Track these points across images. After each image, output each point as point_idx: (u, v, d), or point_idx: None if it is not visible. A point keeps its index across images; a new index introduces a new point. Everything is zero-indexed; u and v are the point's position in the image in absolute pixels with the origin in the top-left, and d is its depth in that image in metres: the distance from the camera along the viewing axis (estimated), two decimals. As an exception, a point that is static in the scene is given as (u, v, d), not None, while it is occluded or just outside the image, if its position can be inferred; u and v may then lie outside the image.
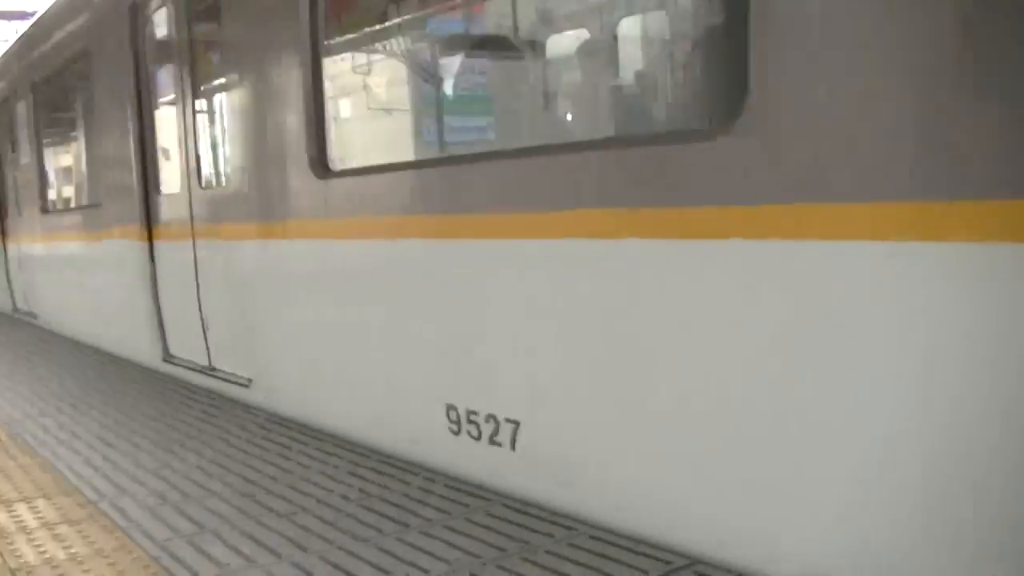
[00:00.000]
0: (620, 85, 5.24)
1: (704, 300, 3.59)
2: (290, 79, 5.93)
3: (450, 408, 4.84)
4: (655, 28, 4.88)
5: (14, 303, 14.33)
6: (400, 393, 5.33)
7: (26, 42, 12.74)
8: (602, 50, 5.40)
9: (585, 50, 5.44)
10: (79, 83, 10.53)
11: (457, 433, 4.80)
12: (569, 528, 4.12)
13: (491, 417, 4.58)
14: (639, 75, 5.11)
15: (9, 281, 14.43)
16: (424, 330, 5.09)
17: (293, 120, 5.99)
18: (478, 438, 4.66)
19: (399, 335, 5.30)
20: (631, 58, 5.15)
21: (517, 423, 4.43)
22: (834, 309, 3.17)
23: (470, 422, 4.70)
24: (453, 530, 4.17)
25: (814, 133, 3.15)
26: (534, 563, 3.78)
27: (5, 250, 14.44)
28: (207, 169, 7.68)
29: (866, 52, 3.02)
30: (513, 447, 4.47)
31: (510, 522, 4.22)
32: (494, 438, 4.57)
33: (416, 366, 5.17)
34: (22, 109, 12.92)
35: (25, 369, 9.49)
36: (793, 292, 3.28)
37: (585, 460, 4.20)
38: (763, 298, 3.38)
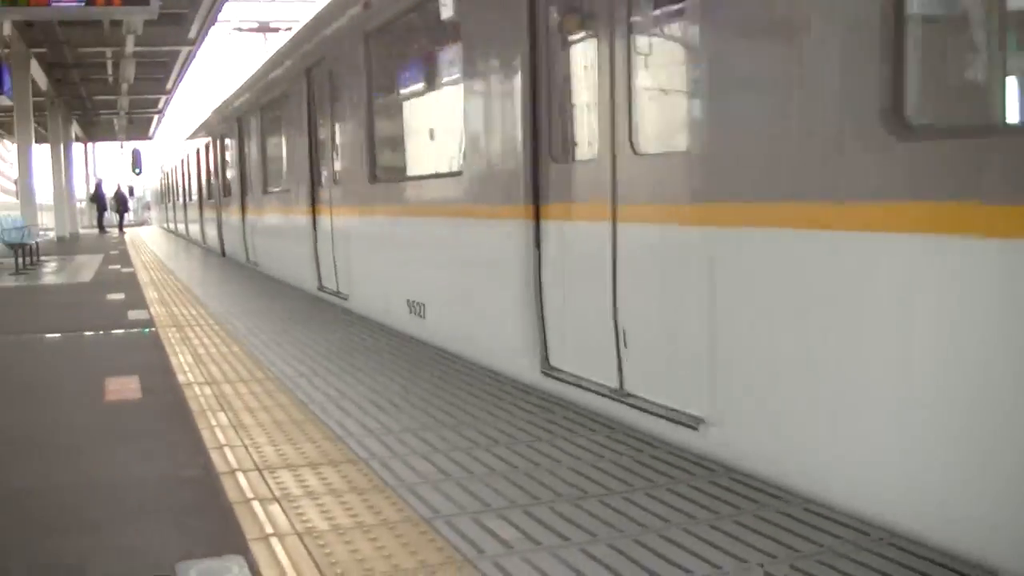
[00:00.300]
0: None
1: (462, 250, 8.17)
2: (358, 125, 11.00)
3: (408, 300, 9.50)
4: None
5: (247, 256, 20.09)
6: (394, 294, 9.96)
7: (256, 77, 18.25)
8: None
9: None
10: (282, 111, 15.74)
11: (410, 312, 9.48)
12: (862, 532, 3.94)
13: (419, 303, 9.22)
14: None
15: (244, 241, 20.16)
16: (391, 265, 10.17)
17: (358, 148, 11.04)
18: (412, 312, 9.41)
19: (391, 270, 10.16)
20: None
21: (424, 304, 9.11)
22: (488, 249, 7.52)
23: (410, 303, 9.45)
24: (743, 525, 4.04)
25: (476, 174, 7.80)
26: (830, 567, 3.62)
27: (244, 219, 20.03)
28: (336, 171, 12.37)
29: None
30: (424, 316, 9.14)
31: (801, 522, 4.06)
32: (420, 312, 9.22)
33: (396, 282, 9.94)
34: (255, 123, 18.49)
35: (263, 314, 11.42)
36: (477, 240, 7.77)
37: (444, 320, 8.72)
38: (482, 246, 7.68)
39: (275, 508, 4.41)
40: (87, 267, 21.62)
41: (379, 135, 10.79)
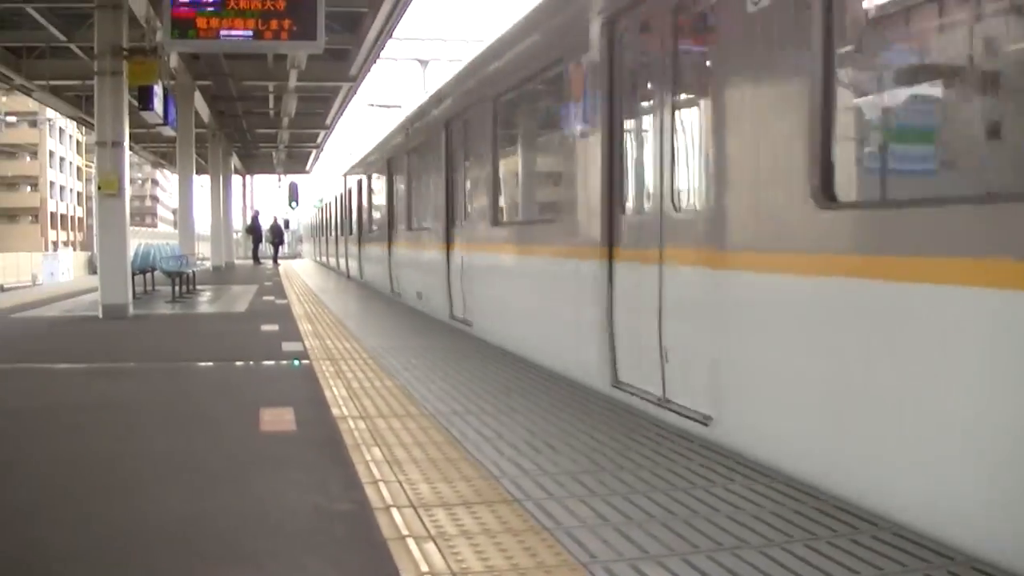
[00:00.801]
0: None
1: (429, 264, 16.55)
2: (403, 197, 20.24)
3: (416, 291, 17.78)
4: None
5: (361, 276, 27.62)
6: (410, 286, 18.63)
7: (365, 155, 26.65)
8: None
9: None
10: (378, 179, 23.80)
11: (416, 297, 17.98)
12: (948, 557, 3.83)
13: (420, 292, 17.37)
14: None
15: (360, 266, 27.97)
16: (411, 272, 18.76)
17: (402, 211, 20.49)
18: (418, 298, 17.64)
19: (407, 271, 19.32)
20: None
21: (422, 292, 17.17)
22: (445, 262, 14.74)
23: (417, 293, 17.72)
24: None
25: (429, 229, 16.86)
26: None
27: (360, 251, 27.64)
28: (396, 220, 20.85)
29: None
30: (421, 299, 17.42)
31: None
32: (420, 297, 17.42)
33: (411, 280, 18.66)
34: (366, 184, 26.25)
35: (416, 350, 10.75)
36: (431, 258, 16.23)
37: (428, 300, 16.76)
38: (432, 261, 16.21)
39: (430, 547, 4.47)
40: (242, 297, 22.29)
41: (413, 203, 18.86)
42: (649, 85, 7.68)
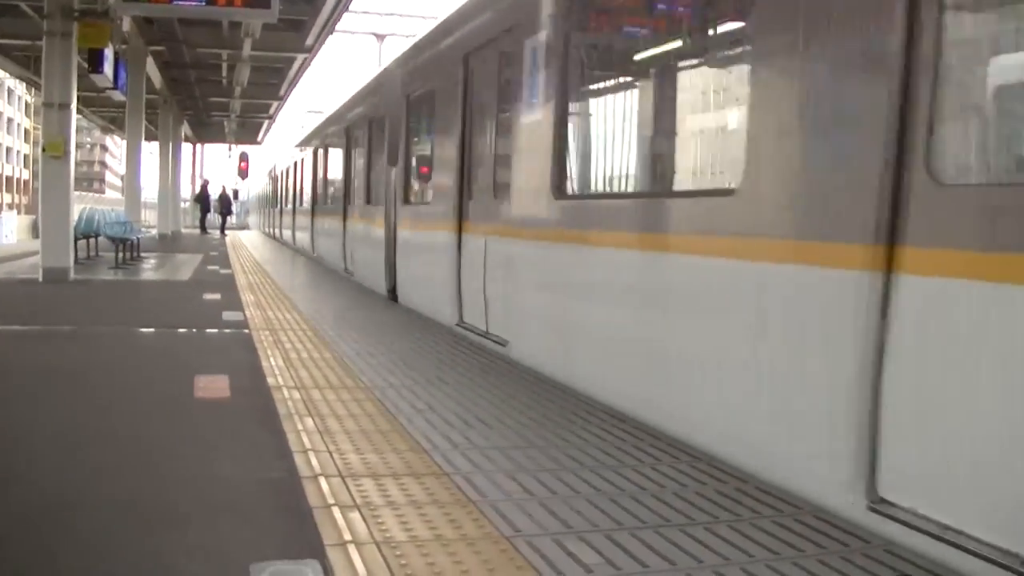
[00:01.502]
0: None
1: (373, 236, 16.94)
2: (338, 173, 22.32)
3: (347, 257, 19.72)
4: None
5: (294, 242, 31.76)
6: (377, 275, 15.86)
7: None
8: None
9: None
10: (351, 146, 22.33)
11: (347, 268, 20.11)
12: (865, 540, 3.99)
13: (355, 260, 18.89)
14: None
15: (293, 234, 32.14)
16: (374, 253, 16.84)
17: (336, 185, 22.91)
18: (348, 271, 19.51)
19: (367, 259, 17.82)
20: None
21: (359, 263, 18.57)
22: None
23: (349, 261, 19.62)
24: (828, 566, 3.97)
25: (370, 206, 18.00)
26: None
27: (312, 223, 28.47)
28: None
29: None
30: (354, 273, 19.46)
31: (881, 563, 3.98)
32: (351, 270, 19.53)
33: (373, 269, 16.45)
34: (297, 168, 30.74)
35: (358, 323, 10.57)
36: (375, 231, 16.31)
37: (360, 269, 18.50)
38: (375, 232, 16.27)
39: (355, 515, 4.47)
40: (186, 266, 22.09)
41: (353, 182, 20.07)
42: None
